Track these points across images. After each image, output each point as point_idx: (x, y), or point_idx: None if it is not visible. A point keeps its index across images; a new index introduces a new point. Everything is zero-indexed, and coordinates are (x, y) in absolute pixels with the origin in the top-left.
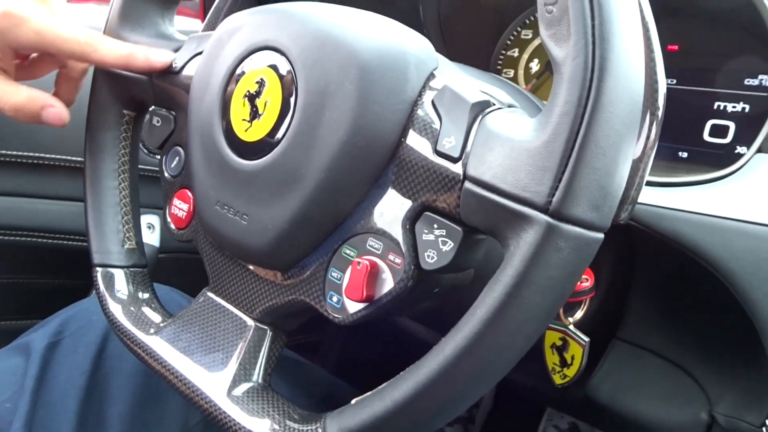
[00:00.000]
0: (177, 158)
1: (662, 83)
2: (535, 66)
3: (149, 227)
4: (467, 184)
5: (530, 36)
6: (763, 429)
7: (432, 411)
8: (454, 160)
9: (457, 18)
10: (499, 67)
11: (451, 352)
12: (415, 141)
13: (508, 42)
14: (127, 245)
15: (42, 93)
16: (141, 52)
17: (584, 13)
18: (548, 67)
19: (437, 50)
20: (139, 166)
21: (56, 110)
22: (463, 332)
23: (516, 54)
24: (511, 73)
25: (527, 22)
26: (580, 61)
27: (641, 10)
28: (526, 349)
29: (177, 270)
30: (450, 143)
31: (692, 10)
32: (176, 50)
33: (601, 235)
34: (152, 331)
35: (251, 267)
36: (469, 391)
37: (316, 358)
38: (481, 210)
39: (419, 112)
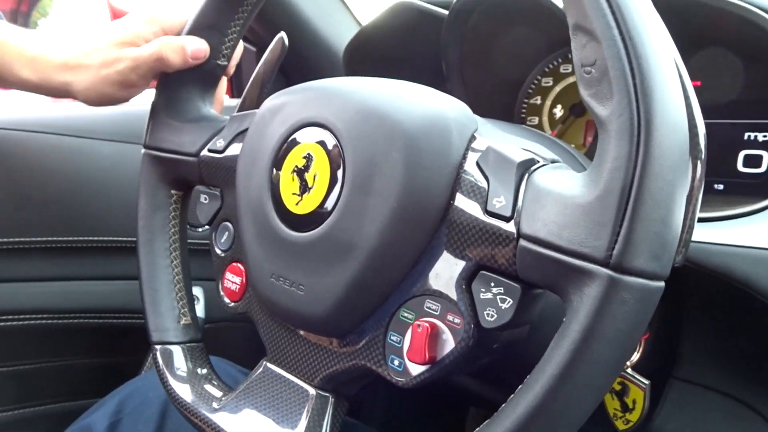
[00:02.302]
0: (227, 233)
1: (701, 125)
2: (558, 112)
3: (195, 299)
4: (522, 242)
5: (551, 83)
6: None
7: None
8: (507, 219)
9: (478, 70)
10: (523, 116)
11: (523, 410)
12: (464, 202)
13: (530, 90)
14: (183, 321)
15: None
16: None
17: (624, 72)
18: (572, 111)
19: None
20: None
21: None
22: (534, 389)
23: (539, 101)
24: (536, 120)
25: (546, 70)
26: (626, 117)
27: (675, 59)
28: (597, 402)
29: (223, 340)
30: (500, 203)
31: (710, 46)
32: (219, 131)
33: (662, 284)
34: (215, 405)
35: (309, 336)
36: None
37: (364, 416)
38: (539, 266)
39: (465, 174)
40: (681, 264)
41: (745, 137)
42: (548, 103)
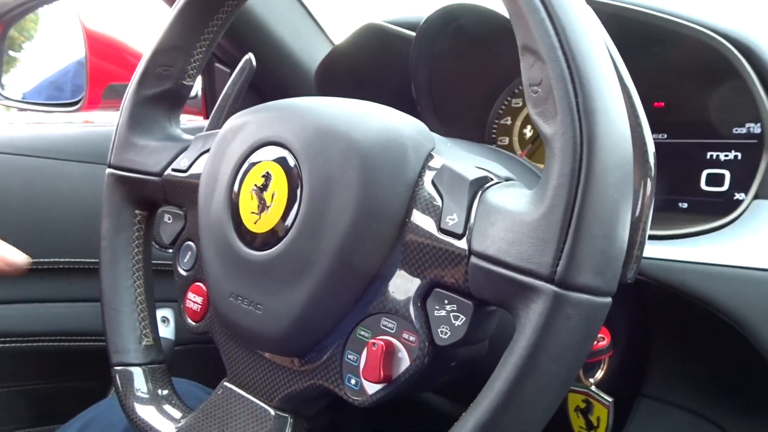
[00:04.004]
0: (189, 253)
1: (650, 144)
2: (528, 132)
3: (164, 321)
4: (473, 259)
5: (520, 104)
6: None
7: None
8: (459, 237)
9: (447, 92)
10: (493, 136)
11: (472, 428)
12: (420, 220)
13: (500, 111)
14: (145, 342)
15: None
16: None
17: (567, 91)
18: None
19: (431, 125)
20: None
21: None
22: (482, 407)
23: (509, 122)
24: (506, 140)
25: (516, 91)
26: (569, 136)
27: (621, 78)
28: (546, 418)
29: (193, 361)
30: (453, 220)
31: (673, 69)
32: (183, 150)
33: (608, 299)
34: (174, 426)
35: (268, 355)
36: None
37: None
38: (489, 283)
39: (421, 192)
40: (633, 280)
41: (708, 156)
42: (518, 123)
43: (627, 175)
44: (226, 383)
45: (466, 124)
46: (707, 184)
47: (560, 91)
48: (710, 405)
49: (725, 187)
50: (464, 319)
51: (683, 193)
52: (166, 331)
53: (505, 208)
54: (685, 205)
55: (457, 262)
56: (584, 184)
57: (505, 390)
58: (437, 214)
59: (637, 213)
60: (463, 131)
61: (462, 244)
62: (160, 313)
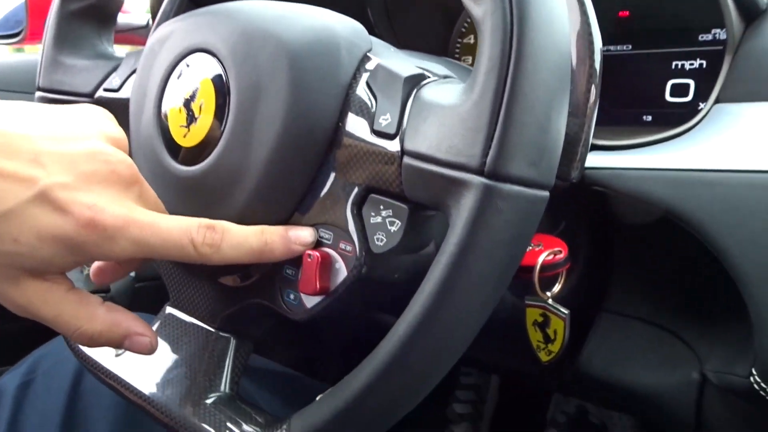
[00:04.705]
0: None
1: (597, 37)
2: None
3: None
4: (406, 159)
5: None
6: (751, 378)
7: (394, 397)
8: (391, 137)
9: (404, 9)
10: (457, 55)
11: (404, 332)
12: (354, 124)
13: (463, 29)
14: (87, 270)
15: (126, 315)
16: (277, 239)
17: None
18: None
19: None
20: None
21: (145, 339)
22: (413, 311)
23: (472, 41)
24: (470, 59)
25: None
26: (499, 15)
27: None
28: (482, 320)
29: (157, 298)
30: (386, 120)
31: None
32: (116, 69)
33: (545, 193)
34: (116, 354)
35: (207, 275)
36: (429, 371)
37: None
38: (422, 183)
39: (355, 95)
40: (577, 179)
41: (673, 66)
42: None
43: (562, 57)
44: (168, 308)
45: (427, 42)
46: (672, 95)
47: None
48: (670, 317)
49: (689, 98)
50: (400, 224)
51: (647, 105)
52: None
53: (438, 103)
54: (650, 118)
55: (390, 164)
56: (515, 66)
57: (435, 291)
58: (371, 116)
59: (582, 108)
60: (423, 50)
61: (394, 144)
62: None
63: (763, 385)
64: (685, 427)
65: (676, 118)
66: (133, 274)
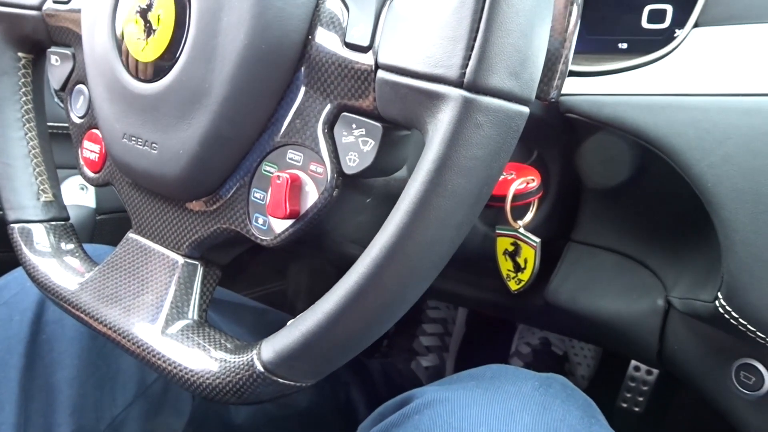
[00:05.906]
0: (81, 97)
1: None
2: None
3: (82, 188)
4: (380, 74)
5: None
6: (716, 302)
7: (366, 319)
8: (365, 50)
9: None
10: None
11: (378, 252)
12: (324, 37)
13: None
14: (44, 198)
15: None
16: None
17: None
18: None
19: None
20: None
21: None
22: (388, 230)
23: None
24: None
25: None
26: None
27: None
28: (458, 241)
29: (121, 232)
30: (359, 32)
31: None
32: None
33: (525, 108)
34: (79, 280)
35: (170, 199)
36: (402, 293)
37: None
38: (397, 99)
39: (325, 5)
40: (556, 98)
41: None
42: None
43: None
44: (131, 234)
45: None
46: (649, 21)
47: None
48: (638, 246)
49: (666, 24)
50: (373, 143)
51: (623, 32)
52: (86, 199)
53: (414, 12)
54: (625, 46)
55: (363, 79)
56: None
57: (411, 210)
58: (342, 28)
59: (564, 23)
60: None
61: (368, 58)
62: (79, 180)
63: (728, 308)
64: (648, 354)
65: (652, 45)
66: (93, 205)
